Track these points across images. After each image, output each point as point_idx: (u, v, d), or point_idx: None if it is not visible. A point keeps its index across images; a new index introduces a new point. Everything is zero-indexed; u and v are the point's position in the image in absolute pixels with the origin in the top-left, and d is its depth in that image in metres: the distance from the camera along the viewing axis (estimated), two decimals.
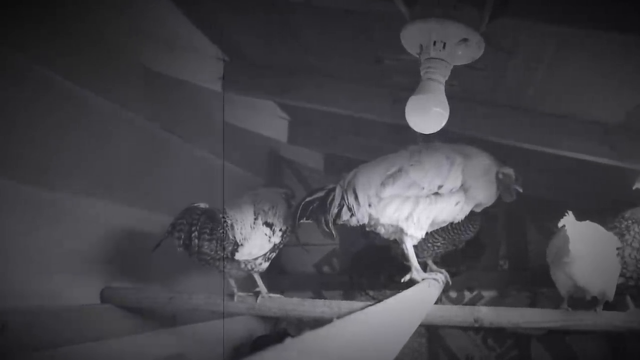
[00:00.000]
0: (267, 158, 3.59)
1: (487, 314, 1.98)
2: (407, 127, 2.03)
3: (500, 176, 2.08)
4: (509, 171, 2.08)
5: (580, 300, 2.00)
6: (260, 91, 2.44)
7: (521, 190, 2.09)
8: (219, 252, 1.88)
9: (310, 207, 2.01)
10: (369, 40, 1.92)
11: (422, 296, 1.73)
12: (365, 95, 2.24)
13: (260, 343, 2.96)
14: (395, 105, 2.15)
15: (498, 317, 1.99)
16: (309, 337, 0.55)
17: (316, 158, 3.51)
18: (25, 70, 1.81)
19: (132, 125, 2.31)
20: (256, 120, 3.01)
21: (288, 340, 0.52)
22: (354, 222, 2.05)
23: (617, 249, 1.96)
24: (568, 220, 1.85)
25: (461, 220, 2.18)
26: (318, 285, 3.48)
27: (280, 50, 2.24)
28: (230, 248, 1.92)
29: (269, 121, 3.01)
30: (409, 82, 1.83)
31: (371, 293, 3.24)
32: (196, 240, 1.80)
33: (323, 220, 1.99)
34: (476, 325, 1.97)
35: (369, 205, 2.01)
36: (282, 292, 2.16)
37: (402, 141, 2.36)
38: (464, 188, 2.04)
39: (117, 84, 2.24)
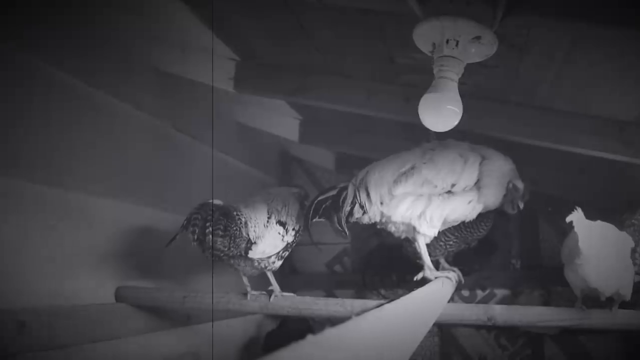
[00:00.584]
0: (279, 157, 3.60)
1: (501, 313, 1.97)
2: (419, 126, 2.03)
3: (511, 186, 2.07)
4: (520, 185, 2.08)
5: (596, 300, 1.98)
6: (272, 91, 2.44)
7: (521, 207, 2.09)
8: (231, 249, 1.89)
9: (323, 206, 2.02)
10: (381, 39, 1.92)
11: (436, 294, 1.73)
12: (378, 93, 2.23)
13: (272, 341, 2.96)
14: (408, 103, 2.15)
15: (512, 316, 1.98)
16: (330, 333, 0.55)
17: (327, 157, 3.51)
18: (39, 72, 1.83)
19: (145, 126, 2.33)
20: (267, 119, 3.02)
21: (309, 337, 0.53)
22: (365, 220, 2.06)
23: (632, 248, 1.93)
24: (576, 217, 1.82)
25: (473, 219, 2.17)
26: (330, 284, 3.48)
27: (292, 50, 2.24)
28: (243, 246, 1.92)
29: (280, 120, 3.02)
30: (421, 81, 1.83)
31: (383, 292, 3.24)
32: (210, 236, 1.81)
33: (335, 219, 2.00)
34: (490, 323, 1.96)
35: (381, 203, 2.01)
36: (294, 292, 2.17)
37: (414, 140, 2.36)
38: (477, 186, 2.03)
39: (130, 84, 2.26)
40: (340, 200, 2.02)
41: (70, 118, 1.95)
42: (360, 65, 2.24)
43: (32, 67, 1.80)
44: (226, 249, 1.86)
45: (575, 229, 1.80)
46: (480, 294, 3.32)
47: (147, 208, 2.33)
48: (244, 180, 3.08)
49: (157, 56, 2.37)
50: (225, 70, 2.37)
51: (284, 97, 2.56)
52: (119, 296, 2.15)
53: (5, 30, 1.70)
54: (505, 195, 2.07)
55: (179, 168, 2.51)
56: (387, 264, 3.08)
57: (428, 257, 2.04)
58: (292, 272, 3.46)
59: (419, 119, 1.69)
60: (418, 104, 1.62)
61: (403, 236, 2.10)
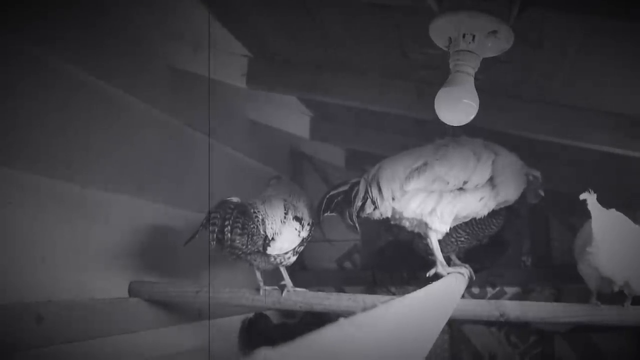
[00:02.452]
0: (289, 154, 3.62)
1: (513, 308, 1.97)
2: (431, 122, 2.03)
3: (531, 178, 2.09)
4: (538, 174, 2.09)
5: (609, 296, 1.98)
6: (285, 87, 2.45)
7: (543, 195, 2.10)
8: (249, 247, 1.90)
9: (335, 200, 2.03)
10: (395, 35, 1.92)
11: (451, 288, 1.74)
12: (390, 89, 2.24)
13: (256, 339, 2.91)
14: (420, 99, 2.15)
15: (524, 312, 1.98)
16: (360, 318, 0.57)
17: (338, 154, 3.52)
18: (58, 70, 1.85)
19: (160, 123, 2.35)
20: (279, 116, 3.03)
21: (341, 320, 0.54)
22: (377, 215, 2.06)
23: None
24: (589, 197, 1.82)
25: (485, 216, 2.18)
26: (339, 281, 3.49)
27: (305, 46, 2.25)
28: (260, 243, 1.94)
29: (291, 117, 3.03)
30: (435, 76, 1.84)
31: (393, 289, 3.24)
32: (229, 234, 1.82)
33: (347, 213, 2.01)
34: (502, 319, 1.97)
35: (393, 199, 2.02)
36: (304, 288, 2.18)
37: (425, 136, 2.36)
38: (491, 184, 2.04)
39: (146, 82, 2.28)
40: (352, 195, 2.03)
41: (88, 115, 1.97)
42: (373, 61, 2.24)
43: (51, 66, 1.83)
44: (244, 247, 1.88)
45: (589, 207, 1.80)
46: (490, 291, 3.32)
47: (162, 205, 2.35)
48: (256, 177, 3.09)
49: (171, 54, 2.38)
50: (238, 67, 2.38)
51: (296, 93, 2.57)
52: (132, 291, 2.17)
53: (23, 30, 1.72)
54: (526, 188, 2.08)
55: (191, 165, 2.53)
56: (397, 261, 3.08)
57: (440, 253, 2.05)
58: (302, 269, 3.47)
59: (431, 115, 1.69)
60: (431, 100, 1.62)
61: (417, 231, 2.11)
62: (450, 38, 1.42)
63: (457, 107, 1.46)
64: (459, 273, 2.06)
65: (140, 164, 2.21)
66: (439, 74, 1.72)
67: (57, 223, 1.84)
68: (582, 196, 1.82)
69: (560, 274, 3.12)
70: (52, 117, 1.83)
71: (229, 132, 2.82)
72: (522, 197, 2.17)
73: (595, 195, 1.84)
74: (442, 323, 1.04)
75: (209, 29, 2.16)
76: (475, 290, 3.31)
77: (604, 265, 1.86)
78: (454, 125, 1.60)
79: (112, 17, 2.10)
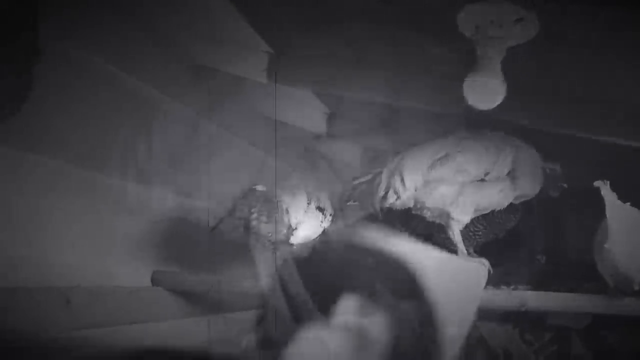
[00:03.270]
0: (304, 150, 3.64)
1: (533, 298, 1.99)
2: (450, 116, 2.06)
3: (548, 171, 2.11)
4: (556, 166, 2.11)
5: (629, 294, 1.98)
6: (302, 82, 2.48)
7: (566, 186, 2.12)
8: (274, 235, 1.93)
9: (358, 189, 2.07)
10: (415, 29, 1.95)
11: (480, 270, 1.75)
12: (409, 85, 2.26)
13: None
14: (439, 94, 2.18)
15: (544, 302, 2.00)
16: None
17: (353, 150, 3.53)
18: (84, 63, 1.90)
19: (182, 116, 2.39)
20: (294, 112, 3.05)
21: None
22: (399, 205, 2.09)
23: None
24: (603, 185, 1.84)
25: (503, 208, 2.19)
26: None
27: (323, 41, 2.28)
28: (285, 232, 1.98)
29: (307, 113, 3.06)
30: (455, 71, 1.86)
31: None
32: (255, 222, 1.86)
33: (370, 203, 2.04)
34: (522, 309, 1.98)
35: (415, 189, 2.04)
36: None
37: (442, 131, 2.38)
38: (510, 176, 2.06)
39: (168, 76, 2.32)
40: (375, 185, 2.06)
41: (113, 108, 2.02)
42: (391, 56, 2.26)
43: (79, 60, 1.86)
44: (270, 235, 1.91)
45: (603, 195, 1.83)
46: (504, 289, 3.31)
47: (184, 197, 2.40)
48: (271, 172, 3.12)
49: (193, 48, 2.42)
50: (258, 62, 2.42)
51: (315, 89, 2.60)
52: (154, 280, 2.20)
53: (49, 26, 1.76)
54: (544, 181, 2.10)
55: (212, 159, 2.57)
56: None
57: (462, 244, 2.07)
58: None
59: (450, 109, 1.72)
60: (450, 95, 1.66)
61: (437, 221, 2.13)
62: (476, 26, 1.45)
63: (485, 91, 1.49)
64: (481, 263, 2.09)
65: (163, 156, 2.25)
66: (459, 69, 1.75)
67: (83, 210, 1.89)
68: (596, 183, 1.84)
69: (575, 272, 3.10)
70: (79, 108, 1.87)
71: (247, 126, 2.85)
72: (540, 192, 2.19)
73: (608, 183, 1.85)
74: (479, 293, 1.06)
75: (211, 20, 2.20)
76: (489, 288, 3.30)
77: (620, 260, 1.87)
78: (482, 109, 1.62)
79: (137, 12, 2.14)
